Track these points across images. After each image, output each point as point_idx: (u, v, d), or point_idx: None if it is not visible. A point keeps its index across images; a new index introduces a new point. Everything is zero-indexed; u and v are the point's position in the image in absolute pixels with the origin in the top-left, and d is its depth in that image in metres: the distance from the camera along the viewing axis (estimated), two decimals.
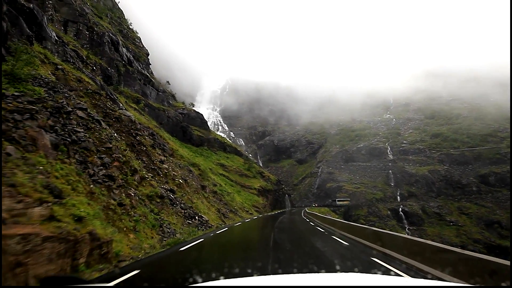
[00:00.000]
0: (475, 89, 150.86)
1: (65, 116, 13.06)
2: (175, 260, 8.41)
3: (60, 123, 12.01)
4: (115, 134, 18.13)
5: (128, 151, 15.73)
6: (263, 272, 6.08)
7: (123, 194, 11.05)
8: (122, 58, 50.90)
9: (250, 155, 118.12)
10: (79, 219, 6.45)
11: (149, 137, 29.16)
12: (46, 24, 26.51)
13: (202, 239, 11.68)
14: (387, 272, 6.72)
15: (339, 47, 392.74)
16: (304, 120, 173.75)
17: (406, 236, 10.22)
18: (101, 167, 11.35)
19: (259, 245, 11.15)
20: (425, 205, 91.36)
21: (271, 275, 2.37)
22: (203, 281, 2.54)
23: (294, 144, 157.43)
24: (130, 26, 64.37)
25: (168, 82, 67.13)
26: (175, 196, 17.38)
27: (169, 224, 13.06)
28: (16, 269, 4.74)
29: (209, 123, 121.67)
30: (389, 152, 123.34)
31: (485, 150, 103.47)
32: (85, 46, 43.52)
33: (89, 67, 36.69)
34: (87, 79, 23.39)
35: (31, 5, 23.52)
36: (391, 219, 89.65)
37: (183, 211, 15.99)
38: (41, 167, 7.62)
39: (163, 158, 20.94)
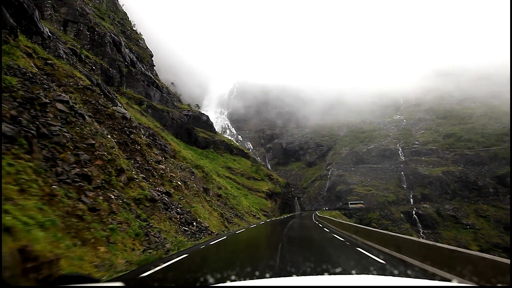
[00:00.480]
0: (487, 87, 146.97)
1: (39, 108, 11.43)
2: None
3: (29, 114, 10.29)
4: (104, 131, 16.39)
5: (117, 149, 13.94)
6: None
7: (100, 197, 9.21)
8: (124, 59, 49.56)
9: (258, 158, 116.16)
10: (6, 230, 4.60)
11: (148, 137, 27.47)
12: (38, 19, 25.08)
13: (186, 254, 8.99)
14: None
15: (347, 47, 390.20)
16: (312, 122, 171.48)
17: (486, 255, 6.26)
18: (75, 165, 9.54)
19: (261, 265, 8.12)
20: (440, 208, 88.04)
21: (283, 278, 2.34)
22: None
23: (302, 146, 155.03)
24: (133, 28, 63.15)
25: (172, 83, 65.66)
26: (171, 199, 15.52)
27: (159, 232, 11.17)
28: None
29: (217, 127, 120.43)
30: (401, 153, 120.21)
31: (501, 150, 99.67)
32: (85, 46, 42.30)
33: (88, 66, 35.34)
34: (79, 75, 21.76)
35: None
36: (404, 222, 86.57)
37: (178, 216, 14.11)
38: None
39: (160, 158, 19.14)
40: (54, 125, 11.09)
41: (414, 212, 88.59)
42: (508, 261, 5.37)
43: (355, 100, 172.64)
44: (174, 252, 9.52)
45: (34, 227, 5.36)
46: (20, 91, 11.22)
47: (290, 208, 78.51)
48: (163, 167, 18.21)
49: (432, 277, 6.80)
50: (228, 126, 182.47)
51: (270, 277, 6.16)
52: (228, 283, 2.02)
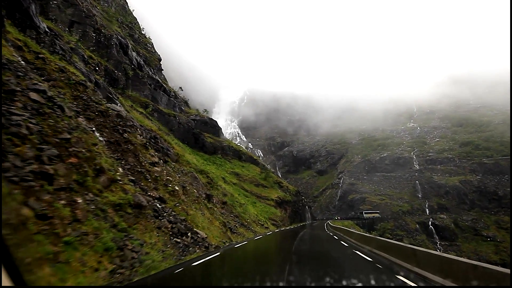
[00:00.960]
0: (504, 94, 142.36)
1: (4, 95, 9.73)
2: None
3: None
4: (92, 128, 14.65)
5: (101, 147, 12.13)
6: None
7: (61, 202, 7.33)
8: (131, 62, 48.38)
9: (268, 166, 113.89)
10: None
11: (149, 139, 25.73)
12: (34, 13, 23.76)
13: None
14: None
15: (359, 53, 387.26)
16: (323, 129, 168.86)
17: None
18: (32, 161, 7.67)
19: None
20: (458, 219, 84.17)
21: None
22: None
23: (313, 154, 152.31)
24: (142, 32, 62.23)
25: (181, 88, 64.35)
26: (164, 206, 13.56)
27: (140, 245, 9.19)
28: None
29: (227, 135, 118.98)
30: (415, 161, 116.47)
31: None
32: (91, 48, 41.23)
33: (91, 67, 34.07)
34: (72, 70, 20.16)
35: None
36: (420, 233, 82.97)
37: (170, 225, 12.12)
38: None
39: (156, 160, 17.26)
40: (18, 115, 9.33)
41: (430, 222, 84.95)
42: None
43: (368, 107, 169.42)
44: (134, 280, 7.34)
45: None
46: None
47: (300, 217, 75.80)
48: (159, 169, 16.34)
49: None
50: (238, 133, 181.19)
51: None
52: None
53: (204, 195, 22.28)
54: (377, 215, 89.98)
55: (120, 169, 14.25)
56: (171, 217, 12.87)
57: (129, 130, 17.88)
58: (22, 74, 12.29)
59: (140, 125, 27.72)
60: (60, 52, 23.93)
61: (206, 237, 13.85)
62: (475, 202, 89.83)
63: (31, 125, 9.31)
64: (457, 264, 7.14)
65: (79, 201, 8.12)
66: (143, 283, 7.20)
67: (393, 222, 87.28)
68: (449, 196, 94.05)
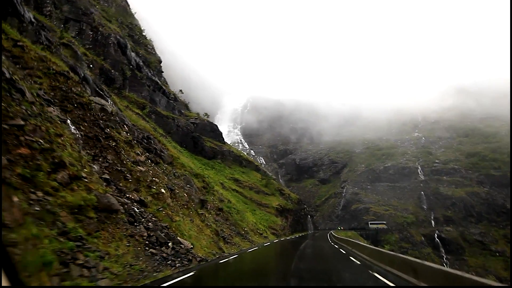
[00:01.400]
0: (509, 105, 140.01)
1: None
2: None
3: None
4: (67, 121, 12.92)
5: (68, 139, 10.29)
6: None
7: None
8: (129, 62, 46.91)
9: (270, 173, 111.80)
10: None
11: (141, 139, 23.96)
12: (19, 2, 22.21)
13: None
14: None
15: (364, 61, 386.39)
16: (327, 138, 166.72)
17: None
18: None
19: None
20: (465, 232, 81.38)
21: None
22: None
23: (316, 163, 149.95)
24: (143, 33, 60.95)
25: (181, 90, 62.73)
26: (144, 210, 11.66)
27: (99, 258, 7.29)
28: None
29: (229, 141, 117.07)
30: (420, 172, 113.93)
31: None
32: (87, 46, 39.83)
33: (85, 64, 32.51)
34: (55, 60, 18.47)
35: None
36: (425, 246, 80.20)
37: (147, 233, 10.21)
38: None
39: (142, 159, 15.41)
40: None
41: (436, 235, 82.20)
42: None
43: (371, 116, 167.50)
44: None
45: None
46: None
47: (302, 227, 73.39)
48: (143, 169, 14.48)
49: None
50: (240, 140, 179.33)
51: None
52: None
53: (197, 200, 20.34)
54: (383, 226, 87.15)
55: (95, 166, 12.42)
56: (150, 224, 10.95)
57: (112, 125, 16.08)
58: None
59: (133, 124, 25.95)
60: (45, 43, 22.29)
61: (191, 248, 11.89)
62: (482, 215, 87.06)
63: None
64: None
65: (14, 200, 6.28)
66: None
67: (397, 234, 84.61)
68: (455, 208, 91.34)
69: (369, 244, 47.93)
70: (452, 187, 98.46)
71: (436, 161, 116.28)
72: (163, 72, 59.75)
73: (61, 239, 6.79)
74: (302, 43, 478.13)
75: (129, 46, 48.20)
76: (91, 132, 14.39)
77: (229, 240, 19.89)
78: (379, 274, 11.19)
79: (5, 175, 6.89)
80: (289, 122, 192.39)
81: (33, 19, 24.02)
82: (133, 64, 47.71)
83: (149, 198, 13.06)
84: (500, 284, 4.48)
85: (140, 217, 10.89)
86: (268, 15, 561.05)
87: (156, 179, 15.18)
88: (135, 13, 67.52)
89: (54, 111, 12.34)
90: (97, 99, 17.54)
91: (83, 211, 8.21)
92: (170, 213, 13.52)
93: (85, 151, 12.97)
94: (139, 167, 14.40)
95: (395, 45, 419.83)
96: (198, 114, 64.16)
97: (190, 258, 11.03)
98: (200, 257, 11.94)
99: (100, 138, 14.60)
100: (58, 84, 16.67)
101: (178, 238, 11.68)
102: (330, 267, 14.40)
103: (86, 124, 14.64)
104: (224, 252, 16.63)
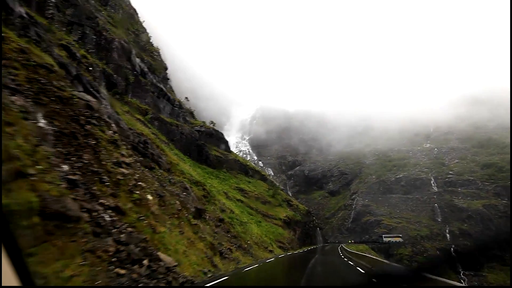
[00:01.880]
0: None
1: None
2: None
3: None
4: (37, 114, 11.30)
5: (22, 129, 8.52)
6: None
7: None
8: (133, 67, 45.83)
9: (279, 185, 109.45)
10: None
11: (138, 144, 22.24)
12: None
13: None
14: None
15: (374, 71, 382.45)
16: (336, 149, 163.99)
17: None
18: None
19: None
20: (483, 246, 77.35)
21: None
22: None
23: (326, 174, 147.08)
24: (150, 40, 60.21)
25: (186, 98, 61.47)
26: (119, 218, 9.78)
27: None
28: None
29: (237, 152, 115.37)
30: (433, 183, 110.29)
31: None
32: (89, 50, 38.85)
33: (83, 66, 31.30)
34: (38, 53, 16.90)
35: None
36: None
37: (116, 247, 8.28)
38: None
39: (127, 161, 13.62)
40: None
41: (452, 249, 78.36)
42: None
43: (382, 126, 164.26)
44: None
45: None
46: None
47: (311, 240, 70.60)
48: (126, 172, 12.68)
49: None
50: (249, 151, 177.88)
51: None
52: None
53: (193, 209, 18.42)
54: (399, 239, 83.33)
55: (65, 166, 10.66)
56: (122, 235, 9.06)
57: (95, 122, 14.40)
58: None
59: (129, 128, 24.33)
60: (33, 38, 21.00)
61: (174, 266, 9.93)
62: (501, 228, 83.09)
63: None
64: None
65: None
66: None
67: (411, 248, 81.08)
68: (471, 221, 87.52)
69: (383, 259, 44.87)
70: (468, 199, 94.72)
71: (450, 172, 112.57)
72: (169, 79, 58.71)
73: None
74: (312, 53, 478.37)
75: (133, 52, 47.23)
76: (67, 129, 12.70)
77: (227, 255, 17.69)
78: None
79: None
80: (298, 133, 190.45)
81: (24, 15, 22.82)
82: (137, 70, 46.65)
83: (129, 205, 11.22)
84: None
85: (111, 228, 9.02)
86: (279, 25, 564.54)
87: (142, 183, 13.36)
88: (144, 21, 67.14)
89: (19, 101, 10.65)
90: (81, 94, 15.92)
91: (21, 218, 6.34)
92: (154, 223, 11.62)
93: (55, 149, 11.22)
94: (121, 169, 12.62)
95: (405, 54, 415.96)
96: (203, 122, 62.75)
97: (170, 279, 9.05)
98: (185, 278, 9.95)
99: (78, 135, 12.90)
100: (37, 76, 15.10)
101: (159, 253, 9.76)
102: None
103: (62, 119, 12.97)
104: (218, 269, 14.40)
